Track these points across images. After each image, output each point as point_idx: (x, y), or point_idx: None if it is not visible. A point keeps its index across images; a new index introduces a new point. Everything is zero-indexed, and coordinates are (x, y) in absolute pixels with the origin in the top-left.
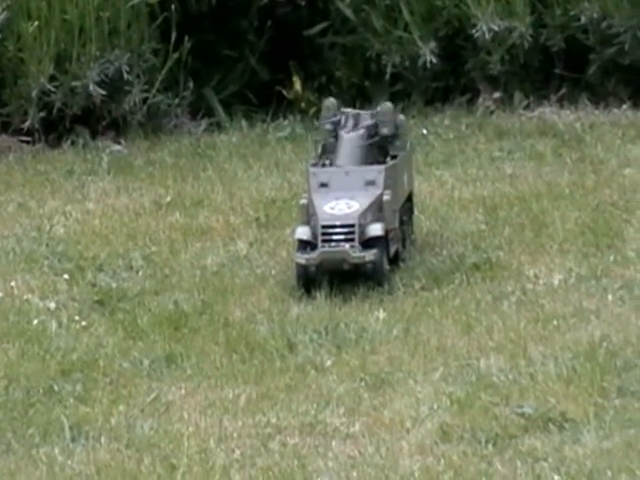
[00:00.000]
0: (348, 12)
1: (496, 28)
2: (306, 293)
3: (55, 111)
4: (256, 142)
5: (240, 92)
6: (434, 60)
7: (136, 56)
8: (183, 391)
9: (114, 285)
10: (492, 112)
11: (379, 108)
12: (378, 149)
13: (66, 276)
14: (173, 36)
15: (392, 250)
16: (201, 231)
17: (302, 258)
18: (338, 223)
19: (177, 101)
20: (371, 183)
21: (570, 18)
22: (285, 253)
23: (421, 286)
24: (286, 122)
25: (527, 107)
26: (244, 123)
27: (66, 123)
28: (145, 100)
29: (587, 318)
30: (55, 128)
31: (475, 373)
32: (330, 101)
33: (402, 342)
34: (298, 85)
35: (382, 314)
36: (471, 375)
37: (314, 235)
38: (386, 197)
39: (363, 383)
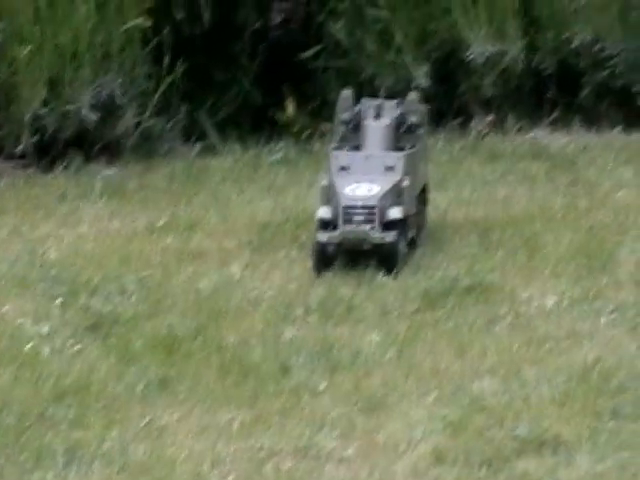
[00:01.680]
0: (341, 35)
1: (489, 51)
2: (319, 272)
3: (48, 135)
4: (249, 165)
5: (233, 115)
6: (427, 83)
7: (129, 80)
8: (176, 415)
9: (107, 309)
10: (485, 135)
11: (407, 97)
12: (402, 137)
13: (59, 300)
14: (166, 60)
15: (409, 235)
16: (194, 254)
17: (324, 236)
18: (360, 204)
19: (170, 125)
20: (390, 169)
21: (562, 42)
22: (278, 276)
23: (415, 309)
24: (279, 145)
25: (520, 130)
26: (237, 146)
27: (59, 147)
28: (138, 124)
29: (580, 341)
30: (48, 152)
31: (469, 396)
32: (347, 92)
33: (396, 365)
34: (291, 108)
35: (376, 336)
36: (465, 398)
37: (335, 215)
38: (405, 182)
39: (357, 406)
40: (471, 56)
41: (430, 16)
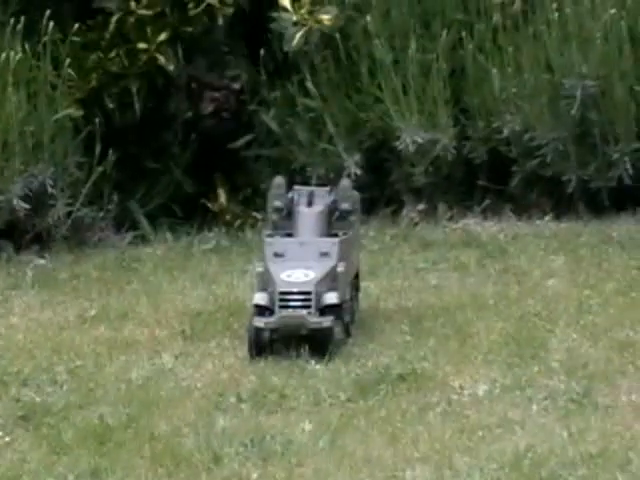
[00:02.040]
0: (273, 125)
1: (420, 140)
2: (257, 356)
3: None
4: (181, 255)
5: (165, 205)
6: (358, 172)
7: (60, 170)
8: None
9: (38, 400)
10: (416, 223)
11: (340, 184)
12: (334, 224)
13: None
14: (97, 149)
15: (345, 320)
16: (126, 344)
17: (261, 321)
18: (295, 290)
19: (102, 214)
20: (325, 254)
21: (493, 131)
22: (211, 365)
23: (347, 397)
24: (211, 234)
25: (451, 218)
26: (169, 236)
27: None
28: (69, 214)
29: (512, 429)
30: None
31: None
32: (280, 179)
33: (328, 454)
34: (223, 198)
35: (308, 426)
36: None
37: (272, 301)
38: (340, 269)
39: None
40: (402, 145)
41: (361, 105)
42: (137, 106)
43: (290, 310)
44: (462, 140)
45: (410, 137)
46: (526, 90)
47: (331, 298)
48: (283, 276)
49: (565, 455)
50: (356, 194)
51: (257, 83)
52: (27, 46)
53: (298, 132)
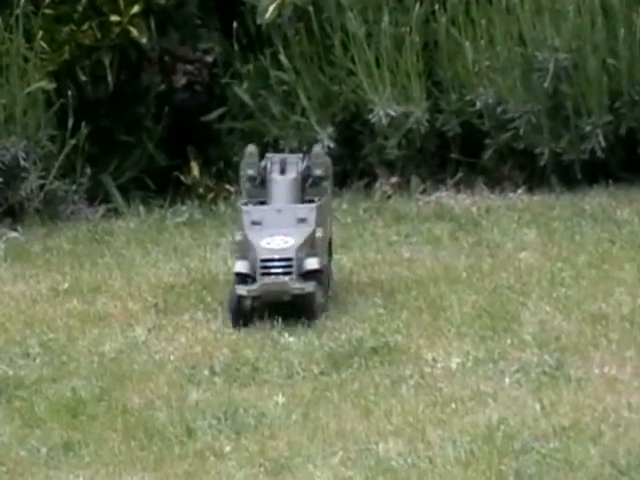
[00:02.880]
0: (246, 97)
1: (393, 113)
2: (237, 325)
3: None
4: (154, 228)
5: (138, 178)
6: (331, 145)
7: (33, 143)
8: (81, 479)
9: (11, 373)
10: (389, 197)
11: (312, 151)
12: (308, 190)
13: None
14: (70, 122)
15: (325, 285)
16: (99, 317)
17: (244, 289)
18: (277, 257)
19: (74, 187)
20: (303, 220)
21: (465, 103)
22: (184, 339)
23: (320, 370)
24: (184, 207)
25: (424, 192)
26: (142, 209)
27: None
28: (42, 187)
29: (485, 401)
30: None
31: (374, 457)
32: (252, 147)
33: (301, 427)
34: (196, 170)
35: (281, 399)
36: (370, 459)
37: (253, 269)
38: (319, 234)
39: (262, 469)
40: (375, 118)
41: (334, 78)
42: (110, 79)
43: (272, 277)
44: (435, 113)
45: (383, 110)
46: (499, 63)
47: (312, 263)
48: (263, 243)
49: (537, 428)
50: (328, 160)
51: (230, 56)
52: None
53: (271, 105)
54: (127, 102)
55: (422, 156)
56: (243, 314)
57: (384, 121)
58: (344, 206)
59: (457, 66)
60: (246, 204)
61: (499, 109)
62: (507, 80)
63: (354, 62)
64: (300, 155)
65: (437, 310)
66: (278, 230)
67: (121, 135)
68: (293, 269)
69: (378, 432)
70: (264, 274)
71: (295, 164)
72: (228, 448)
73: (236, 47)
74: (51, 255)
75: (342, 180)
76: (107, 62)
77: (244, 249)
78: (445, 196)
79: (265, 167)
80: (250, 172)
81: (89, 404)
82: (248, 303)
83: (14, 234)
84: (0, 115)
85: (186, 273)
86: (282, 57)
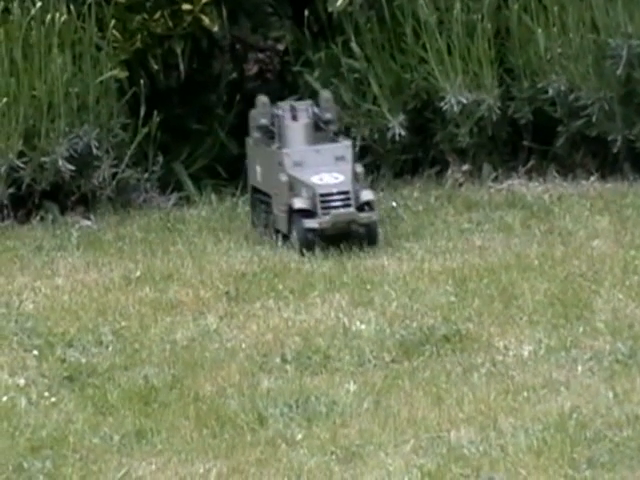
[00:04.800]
0: (317, 85)
1: (464, 101)
2: (310, 253)
3: (24, 187)
4: (225, 216)
5: (209, 166)
6: (403, 133)
7: (105, 131)
8: (153, 466)
9: (84, 360)
10: (461, 184)
11: (320, 96)
12: (318, 133)
13: (35, 352)
14: (142, 111)
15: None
16: (171, 305)
17: (314, 222)
18: (335, 190)
19: (146, 176)
20: (341, 158)
21: (538, 90)
22: (255, 326)
23: (391, 358)
24: None
25: (496, 179)
26: (214, 197)
27: (35, 199)
28: (114, 175)
29: (557, 389)
30: (24, 204)
31: (446, 445)
32: (264, 97)
33: (372, 415)
34: None
35: (352, 386)
36: (442, 447)
37: (312, 204)
38: (359, 169)
39: (334, 456)
40: (447, 105)
41: (406, 66)
42: (181, 67)
43: (340, 209)
44: (507, 100)
45: (454, 97)
46: (571, 50)
47: (367, 195)
48: (315, 180)
49: (610, 416)
50: (335, 105)
51: (301, 44)
52: (72, 7)
53: (342, 93)
54: (199, 90)
55: (494, 144)
56: (312, 245)
57: (455, 109)
58: (415, 194)
59: (529, 53)
60: (281, 147)
61: (571, 96)
62: (579, 67)
63: (425, 49)
64: (309, 101)
65: (509, 298)
66: (321, 168)
67: (193, 123)
68: (352, 201)
69: (450, 420)
70: (326, 207)
71: (305, 110)
72: (299, 436)
73: (307, 35)
74: (123, 243)
75: (413, 168)
76: (179, 50)
77: (295, 188)
78: (517, 184)
79: (276, 115)
80: (262, 121)
81: (161, 392)
82: (316, 235)
83: (87, 222)
84: (73, 104)
85: (257, 261)
86: (353, 45)
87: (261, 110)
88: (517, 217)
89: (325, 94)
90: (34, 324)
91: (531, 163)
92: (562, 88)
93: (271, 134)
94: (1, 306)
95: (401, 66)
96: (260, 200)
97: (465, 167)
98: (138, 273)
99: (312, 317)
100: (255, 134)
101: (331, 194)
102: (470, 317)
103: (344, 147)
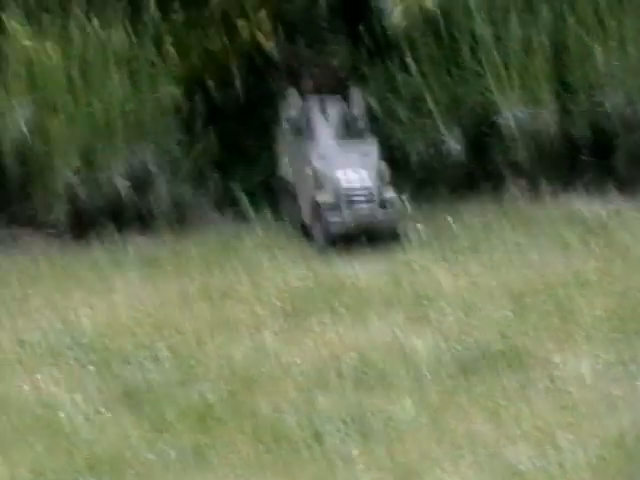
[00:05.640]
0: (372, 101)
1: (521, 115)
2: (332, 248)
3: (81, 204)
4: (281, 232)
5: (265, 183)
6: (458, 147)
7: (161, 149)
8: None
9: (140, 377)
10: (518, 200)
11: (350, 92)
12: (348, 129)
13: (92, 368)
14: (198, 128)
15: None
16: (227, 322)
17: (337, 217)
18: (357, 186)
19: (202, 193)
20: (366, 154)
21: (595, 105)
22: (311, 342)
23: (447, 374)
24: None
25: (553, 194)
26: (269, 214)
27: (92, 216)
28: (170, 192)
29: (615, 405)
30: (81, 221)
31: (503, 461)
32: (293, 91)
33: (429, 431)
34: None
35: (409, 403)
36: (499, 464)
37: (336, 197)
38: (383, 165)
39: (391, 473)
40: (503, 120)
41: (462, 81)
42: (237, 84)
43: (363, 204)
44: (564, 115)
45: (511, 112)
46: (629, 64)
47: (390, 192)
48: (339, 174)
49: None
50: (363, 101)
51: (356, 60)
52: (128, 26)
53: (397, 108)
54: (254, 107)
55: (551, 159)
56: (336, 239)
57: (512, 124)
58: (472, 209)
59: (586, 67)
60: (307, 140)
61: (628, 110)
62: (636, 80)
63: (482, 65)
64: (339, 96)
65: (566, 313)
66: (345, 163)
67: (248, 140)
68: (374, 197)
69: (507, 436)
70: (348, 202)
71: (334, 105)
72: (356, 452)
73: (363, 51)
74: (179, 260)
75: (469, 183)
76: (234, 67)
77: (319, 181)
78: (574, 199)
79: (306, 108)
80: (292, 113)
81: (217, 408)
82: (340, 228)
83: (143, 239)
84: (130, 121)
85: (313, 277)
86: (409, 61)
87: (291, 102)
88: (575, 233)
89: (354, 90)
90: (90, 340)
91: (589, 178)
92: (619, 102)
93: (300, 127)
94: (58, 322)
95: (457, 82)
96: (286, 190)
97: (522, 182)
98: (194, 290)
99: (368, 333)
100: (284, 126)
101: (354, 189)
102: (527, 333)
103: (370, 144)
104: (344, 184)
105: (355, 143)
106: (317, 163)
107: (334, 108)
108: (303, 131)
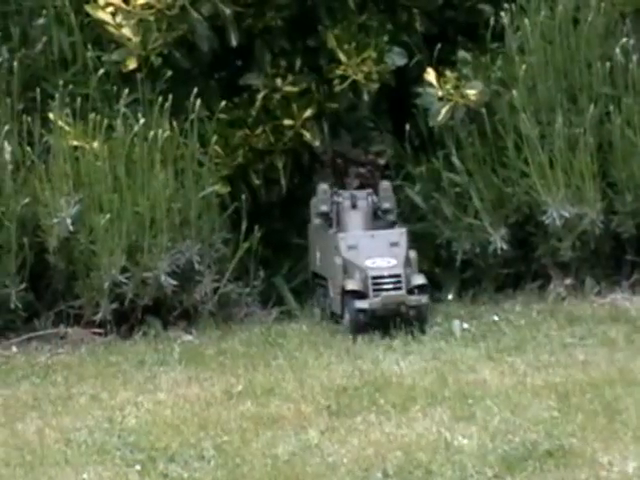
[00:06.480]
0: (418, 199)
1: (567, 214)
2: (357, 336)
3: (127, 302)
4: (327, 330)
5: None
6: (505, 247)
7: (207, 246)
8: None
9: (186, 475)
10: (563, 298)
11: (380, 186)
12: (376, 222)
13: (138, 467)
14: (243, 225)
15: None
16: (272, 420)
17: (365, 303)
18: (386, 274)
19: (248, 290)
20: (395, 244)
21: None
22: (356, 441)
23: (494, 473)
24: None
25: (599, 293)
26: (315, 311)
27: (137, 314)
28: (216, 290)
29: None
30: (127, 319)
31: None
32: (324, 185)
33: None
34: None
35: None
36: None
37: (365, 286)
38: (412, 255)
39: None
40: (549, 219)
41: (507, 179)
42: (283, 182)
43: (391, 291)
44: (610, 214)
45: (557, 211)
46: None
47: (419, 279)
48: (369, 263)
49: None
50: (393, 195)
51: (402, 158)
52: (175, 124)
53: (443, 207)
54: (300, 204)
55: (597, 257)
56: (362, 326)
57: (558, 222)
58: (517, 308)
59: (632, 166)
60: (338, 232)
61: None
62: None
63: (527, 163)
64: (369, 190)
65: (613, 413)
66: (375, 252)
67: (293, 238)
68: (402, 284)
69: None
70: (376, 289)
71: (365, 199)
72: None
73: (408, 149)
74: (225, 358)
75: (515, 282)
76: (280, 165)
77: (348, 270)
78: (620, 298)
79: (336, 202)
80: (323, 208)
81: None
82: (367, 316)
83: (189, 337)
84: (175, 219)
85: (359, 375)
86: (454, 159)
87: (322, 197)
88: (621, 331)
89: (384, 184)
90: (136, 439)
91: (635, 277)
92: None
93: (331, 221)
94: (104, 421)
95: (502, 180)
96: (319, 284)
97: (568, 281)
98: (240, 387)
99: (414, 431)
100: (315, 221)
101: (382, 277)
102: (573, 432)
103: (399, 234)
104: (372, 272)
105: (384, 233)
106: (347, 254)
107: (364, 202)
108: (333, 225)
